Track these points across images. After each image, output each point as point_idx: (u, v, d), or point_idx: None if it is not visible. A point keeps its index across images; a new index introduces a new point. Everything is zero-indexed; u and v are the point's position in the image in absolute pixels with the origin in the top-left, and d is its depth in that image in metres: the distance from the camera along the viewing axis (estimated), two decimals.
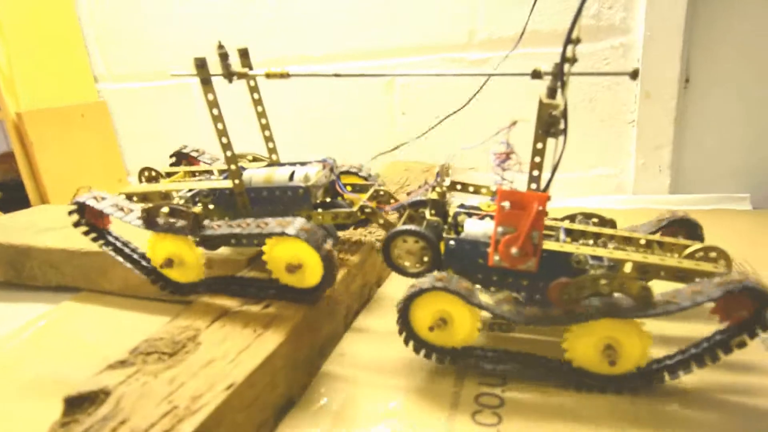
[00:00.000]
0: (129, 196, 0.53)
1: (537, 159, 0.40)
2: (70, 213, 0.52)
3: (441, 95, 1.00)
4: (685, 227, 0.51)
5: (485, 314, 0.42)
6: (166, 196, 0.53)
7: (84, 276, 0.65)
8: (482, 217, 0.47)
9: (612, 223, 0.51)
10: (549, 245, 0.42)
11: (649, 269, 0.41)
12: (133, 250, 0.54)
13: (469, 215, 0.47)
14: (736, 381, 0.42)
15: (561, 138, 0.37)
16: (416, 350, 0.44)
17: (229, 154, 0.48)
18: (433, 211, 0.47)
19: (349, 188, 0.55)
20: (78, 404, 0.35)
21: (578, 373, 0.41)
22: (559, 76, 0.37)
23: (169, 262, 0.49)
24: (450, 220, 0.47)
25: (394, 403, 0.42)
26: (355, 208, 0.52)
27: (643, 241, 0.47)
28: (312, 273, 0.45)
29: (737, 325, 0.38)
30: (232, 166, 0.49)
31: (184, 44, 1.13)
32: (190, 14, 1.10)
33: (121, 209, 0.50)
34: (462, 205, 0.49)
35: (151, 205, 0.47)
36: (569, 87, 0.37)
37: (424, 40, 0.99)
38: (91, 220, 0.53)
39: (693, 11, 0.83)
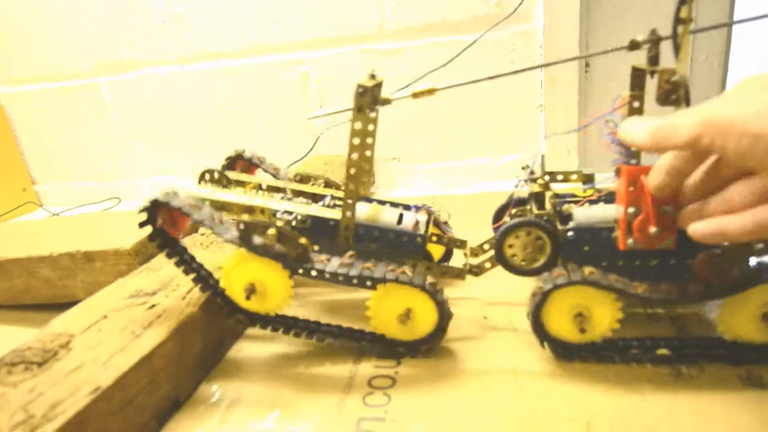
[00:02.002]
0: (202, 200, 0.46)
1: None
2: (142, 224, 0.42)
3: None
4: None
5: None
6: (249, 210, 0.47)
7: None
8: (581, 204, 0.45)
9: None
10: None
11: None
12: (201, 266, 0.46)
13: (569, 202, 0.45)
14: None
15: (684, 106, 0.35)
16: (558, 355, 0.42)
17: (351, 186, 0.44)
18: (537, 206, 0.45)
19: (434, 239, 0.52)
20: None
21: (739, 347, 0.40)
22: (673, 40, 0.35)
23: (251, 289, 0.43)
24: (551, 211, 0.45)
25: (288, 394, 0.41)
26: (465, 267, 0.50)
27: None
28: (420, 326, 0.43)
29: None
30: (350, 201, 0.45)
31: (83, 42, 1.07)
32: (88, 10, 1.05)
33: (216, 220, 0.42)
34: (557, 195, 0.47)
35: (252, 220, 0.42)
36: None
37: (338, 32, 0.98)
38: (165, 226, 0.43)
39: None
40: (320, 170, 0.91)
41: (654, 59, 0.38)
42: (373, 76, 0.42)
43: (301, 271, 0.42)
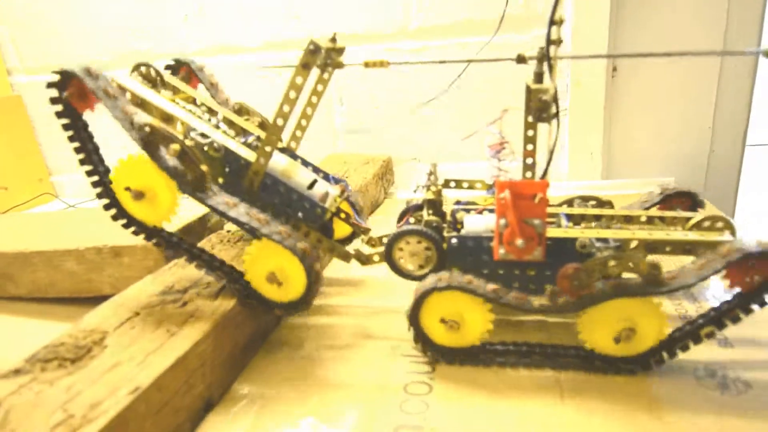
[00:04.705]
0: (123, 90, 0.44)
1: (530, 147, 0.40)
2: (50, 85, 0.42)
3: (378, 84, 0.99)
4: (685, 200, 0.50)
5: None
6: (168, 118, 0.45)
7: None
8: (480, 212, 0.46)
9: (610, 205, 0.50)
10: (552, 232, 0.41)
11: (655, 245, 0.41)
12: (96, 151, 0.45)
13: (467, 211, 0.46)
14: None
15: (554, 123, 0.37)
16: (434, 358, 0.43)
17: (273, 138, 0.44)
18: (430, 212, 0.46)
19: (342, 215, 0.52)
20: None
21: (596, 357, 0.41)
22: (546, 59, 0.37)
23: (138, 194, 0.41)
24: (448, 218, 0.45)
25: (318, 399, 0.40)
26: (353, 252, 0.51)
27: (644, 218, 0.46)
28: (291, 289, 0.43)
29: (750, 291, 0.38)
30: (267, 148, 0.44)
31: (102, 32, 1.06)
32: (107, 0, 1.04)
33: (123, 110, 0.40)
34: (459, 202, 0.48)
35: (161, 126, 0.39)
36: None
37: (361, 29, 0.97)
38: (72, 100, 0.42)
39: (618, 1, 0.86)
40: (338, 168, 0.90)
41: (538, 76, 0.38)
42: (334, 40, 0.43)
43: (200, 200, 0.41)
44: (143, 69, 0.49)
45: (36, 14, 1.08)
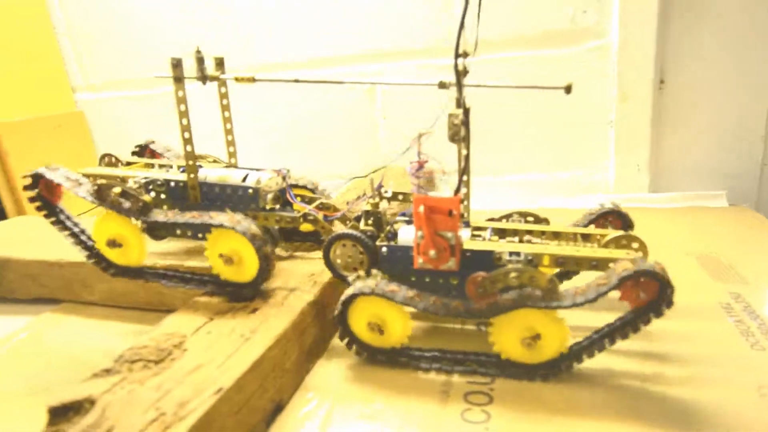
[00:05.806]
0: (86, 176, 0.55)
1: (463, 165, 0.44)
2: (24, 187, 0.53)
3: (422, 99, 1.01)
4: (618, 218, 0.53)
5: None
6: (123, 180, 0.55)
7: (65, 287, 0.64)
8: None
9: (546, 221, 0.52)
10: (470, 244, 0.43)
11: (564, 260, 0.42)
12: (77, 226, 0.56)
13: (408, 222, 0.49)
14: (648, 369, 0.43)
15: (467, 144, 0.42)
16: (358, 353, 0.46)
17: (188, 149, 0.52)
18: (369, 222, 0.49)
19: (298, 198, 0.57)
20: (62, 414, 0.34)
21: (505, 364, 0.43)
22: (457, 87, 0.41)
23: (112, 243, 0.52)
24: (388, 228, 0.48)
25: (381, 404, 0.42)
26: (298, 215, 0.55)
27: (571, 235, 0.48)
28: (248, 268, 0.48)
29: (639, 308, 0.40)
30: (190, 161, 0.52)
31: (162, 53, 1.12)
32: (168, 23, 1.10)
33: (75, 182, 0.51)
34: (403, 213, 0.51)
35: (104, 181, 0.50)
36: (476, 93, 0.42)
37: (400, 46, 1.00)
38: (44, 193, 0.54)
39: (665, 14, 0.86)
40: (376, 179, 0.92)
41: (456, 101, 0.42)
42: (198, 51, 0.51)
43: (147, 223, 0.51)
44: (107, 159, 0.67)
45: (99, 33, 1.15)
